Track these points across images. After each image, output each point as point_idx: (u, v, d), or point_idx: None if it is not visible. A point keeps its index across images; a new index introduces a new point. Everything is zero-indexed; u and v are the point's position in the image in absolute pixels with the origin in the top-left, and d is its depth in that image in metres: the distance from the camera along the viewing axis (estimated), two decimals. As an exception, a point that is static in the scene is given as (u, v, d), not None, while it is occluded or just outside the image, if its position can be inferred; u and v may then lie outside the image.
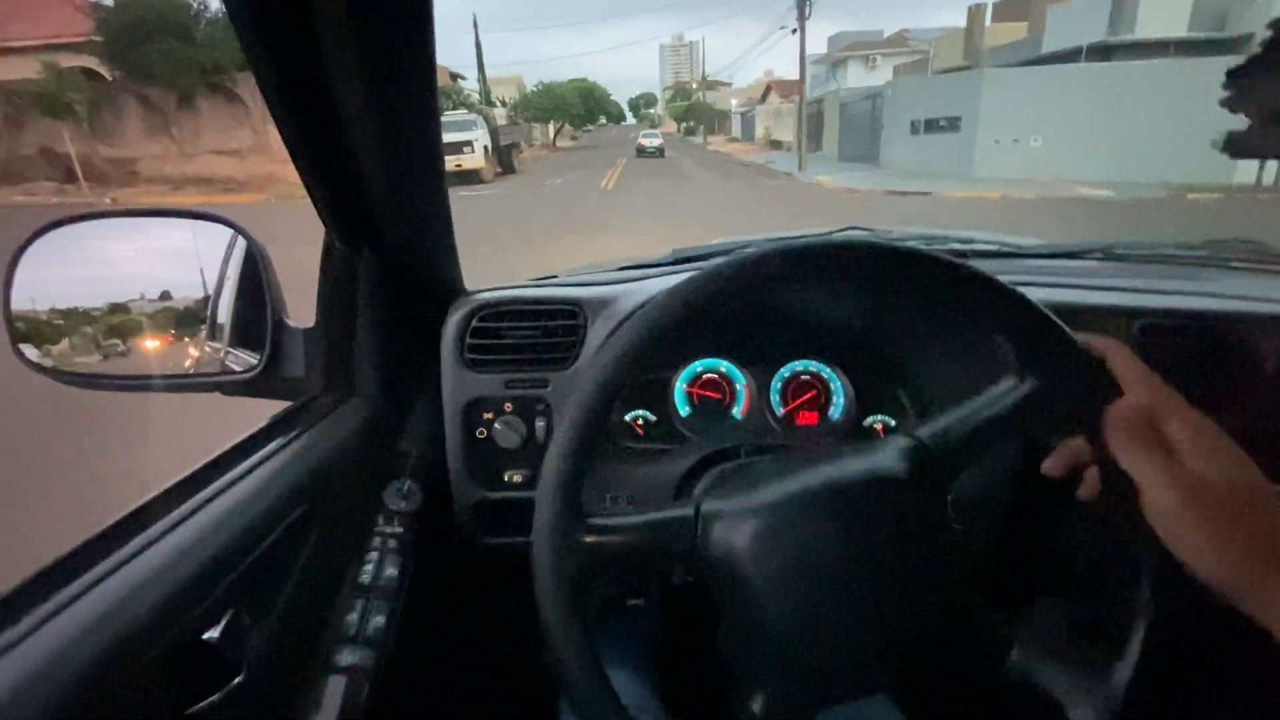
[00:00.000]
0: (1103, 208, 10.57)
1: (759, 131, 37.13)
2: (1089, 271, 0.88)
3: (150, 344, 0.68)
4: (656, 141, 28.79)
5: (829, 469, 0.42)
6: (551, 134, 46.06)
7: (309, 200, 0.61)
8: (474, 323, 0.77)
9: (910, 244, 0.42)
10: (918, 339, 0.79)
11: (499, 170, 18.41)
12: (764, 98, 40.38)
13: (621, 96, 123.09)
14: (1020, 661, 0.41)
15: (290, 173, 0.57)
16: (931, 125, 16.06)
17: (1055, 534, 0.71)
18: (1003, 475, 0.68)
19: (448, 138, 11.75)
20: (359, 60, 0.48)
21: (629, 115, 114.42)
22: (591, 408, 0.40)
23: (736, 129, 47.14)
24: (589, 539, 0.40)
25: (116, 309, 0.66)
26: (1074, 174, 13.62)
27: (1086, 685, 0.39)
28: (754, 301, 0.43)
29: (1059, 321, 0.40)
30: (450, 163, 12.38)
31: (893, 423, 0.83)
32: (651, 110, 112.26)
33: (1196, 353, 0.68)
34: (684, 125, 65.73)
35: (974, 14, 21.39)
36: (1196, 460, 0.35)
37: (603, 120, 75.71)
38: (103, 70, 13.86)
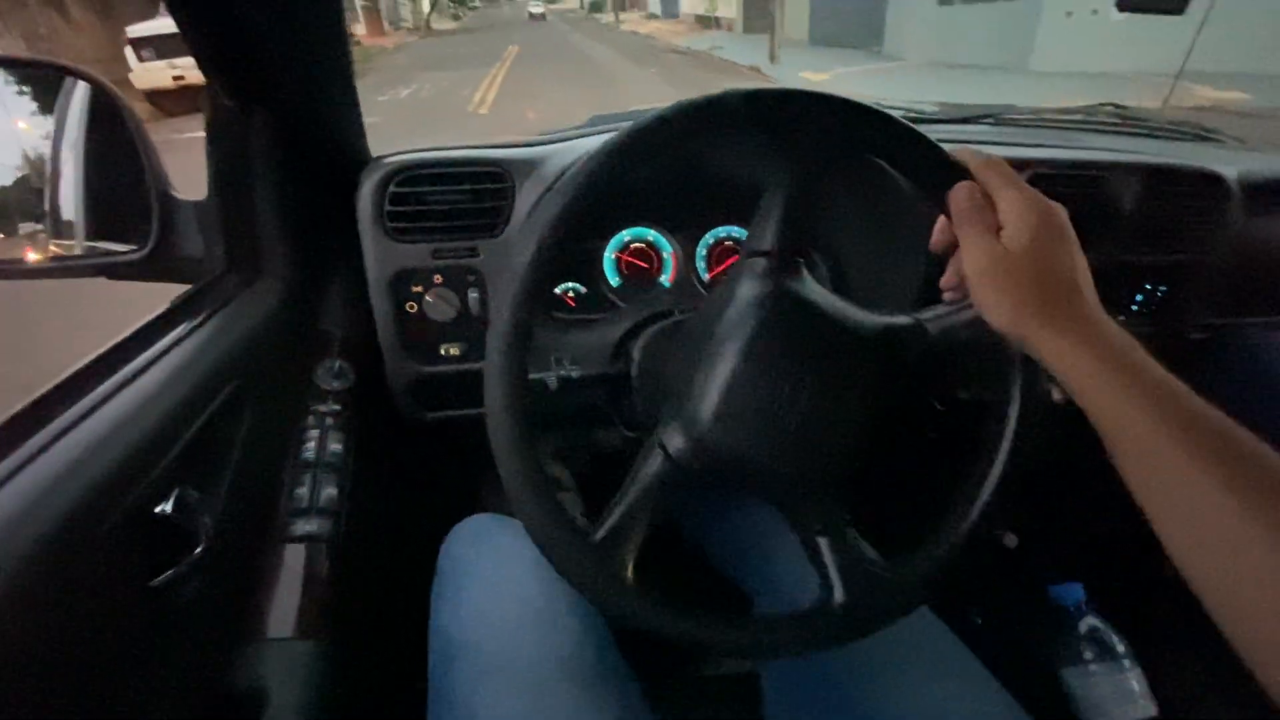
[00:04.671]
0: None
1: (685, 5, 29.88)
2: (983, 134, 1.00)
3: None
4: (540, 9, 38.27)
5: (721, 329, 0.44)
6: (426, 11, 36.47)
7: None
8: (392, 188, 0.71)
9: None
10: (828, 202, 0.81)
11: (313, 75, 11.70)
12: (684, -39, 32.60)
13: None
14: (938, 331, 0.46)
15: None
16: (975, -12, 10.70)
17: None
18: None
19: (165, 24, 7.70)
20: None
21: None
22: (531, 275, 0.40)
23: (655, 3, 38.91)
24: (623, 557, 0.42)
25: None
26: (1169, 64, 9.04)
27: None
28: (680, 155, 0.44)
29: (944, 150, 0.44)
30: (164, 74, 8.20)
31: None
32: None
33: (1073, 196, 0.72)
34: (589, 0, 55.56)
35: None
36: (1008, 232, 0.41)
37: (492, -5, 63.87)
38: None
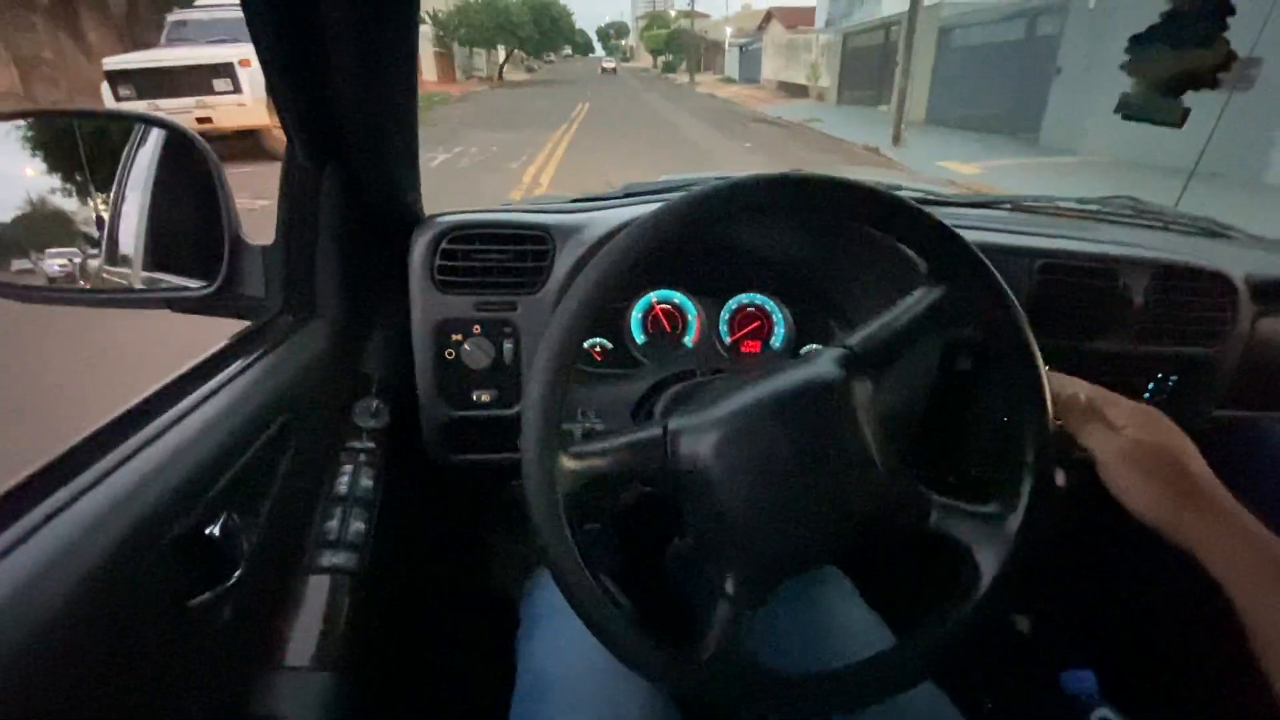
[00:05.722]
0: None
1: (767, 70, 28.25)
2: (1001, 219, 1.00)
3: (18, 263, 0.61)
4: (612, 65, 45.31)
5: (775, 381, 0.48)
6: (501, 61, 36.11)
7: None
8: (444, 244, 0.76)
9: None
10: (848, 276, 0.85)
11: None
12: (763, 25, 31.17)
13: (589, 24, 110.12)
14: (938, 520, 0.49)
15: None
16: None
17: (962, 422, 0.84)
18: (921, 380, 0.81)
19: (186, 55, 6.76)
20: None
21: (598, 46, 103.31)
22: (571, 332, 0.43)
23: (732, 67, 37.62)
24: (571, 464, 0.45)
25: None
26: None
27: (987, 532, 0.48)
28: (718, 232, 0.44)
29: (965, 240, 0.48)
30: (186, 114, 6.57)
31: None
32: (623, 41, 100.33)
33: (1083, 288, 0.82)
34: (662, 60, 55.29)
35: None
36: (1131, 430, 0.46)
37: (568, 51, 64.92)
38: None
